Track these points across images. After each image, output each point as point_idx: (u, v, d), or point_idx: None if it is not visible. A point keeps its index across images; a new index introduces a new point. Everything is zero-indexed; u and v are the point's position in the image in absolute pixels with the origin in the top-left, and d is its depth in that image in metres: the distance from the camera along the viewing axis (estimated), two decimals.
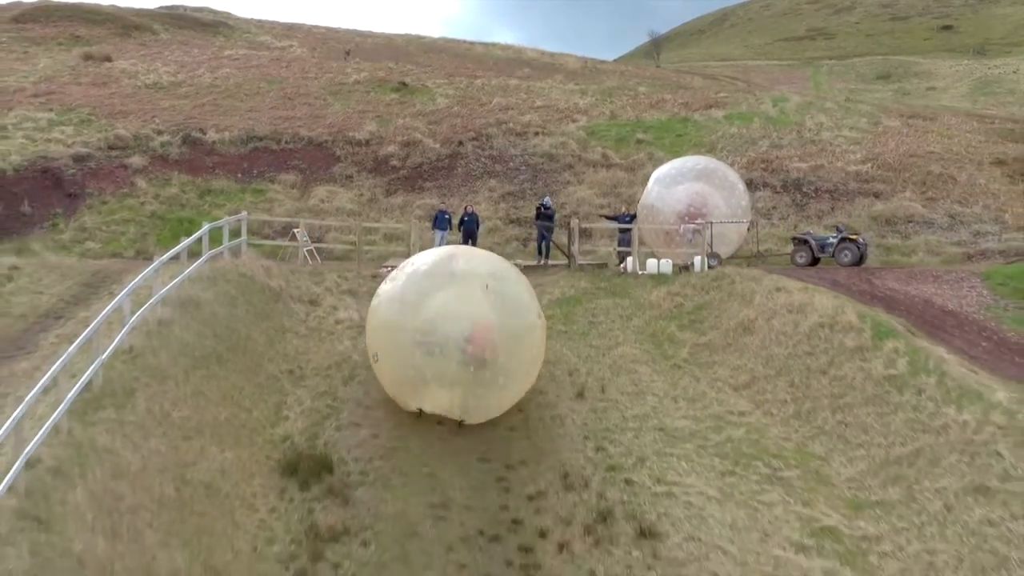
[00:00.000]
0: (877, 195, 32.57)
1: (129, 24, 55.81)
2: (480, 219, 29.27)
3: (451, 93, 43.92)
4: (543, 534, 14.12)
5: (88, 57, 45.52)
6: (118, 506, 12.36)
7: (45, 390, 13.26)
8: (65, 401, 13.44)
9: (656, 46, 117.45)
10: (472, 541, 14.06)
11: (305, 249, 27.00)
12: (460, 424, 16.86)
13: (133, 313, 16.59)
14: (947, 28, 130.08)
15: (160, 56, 48.55)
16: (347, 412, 17.29)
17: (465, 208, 28.74)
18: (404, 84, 44.70)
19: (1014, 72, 79.19)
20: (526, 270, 27.77)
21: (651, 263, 25.58)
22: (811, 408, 17.59)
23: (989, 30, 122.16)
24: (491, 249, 29.74)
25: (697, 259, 25.13)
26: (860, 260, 26.75)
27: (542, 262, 27.10)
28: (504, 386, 17.02)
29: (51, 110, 36.97)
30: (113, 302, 16.27)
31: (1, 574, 10.35)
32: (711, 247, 25.76)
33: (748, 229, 27.48)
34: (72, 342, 14.63)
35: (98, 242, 29.60)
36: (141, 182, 32.87)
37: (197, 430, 15.05)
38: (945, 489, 14.51)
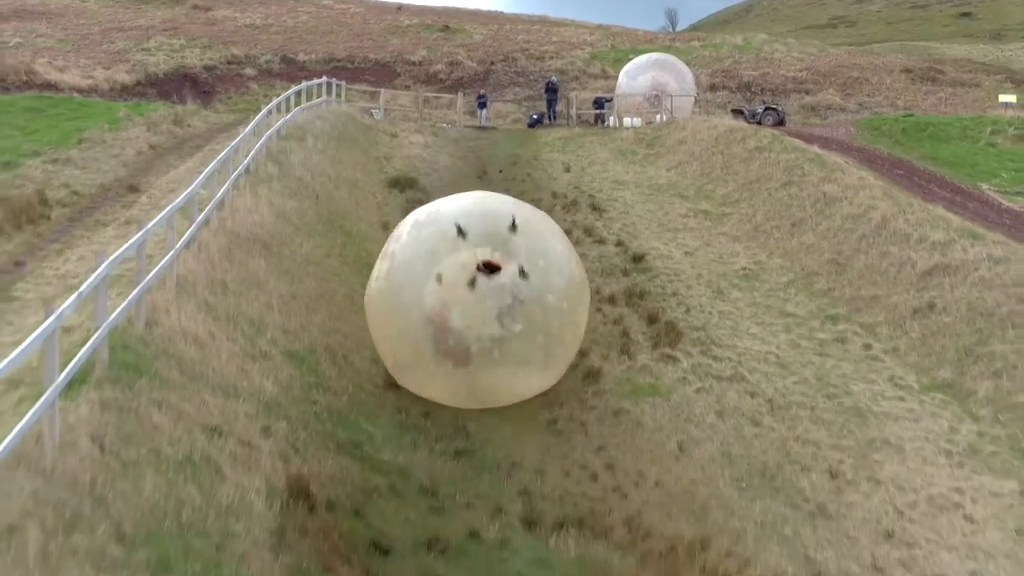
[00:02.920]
0: (807, 92, 43.11)
1: None
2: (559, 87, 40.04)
3: (485, 32, 54.87)
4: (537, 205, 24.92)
5: (195, 7, 56.98)
6: (312, 168, 23.35)
7: (254, 133, 24.15)
8: (274, 127, 24.36)
9: (672, 25, 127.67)
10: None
11: (383, 112, 37.98)
12: None
13: (289, 112, 27.57)
14: (966, 15, 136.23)
15: (248, 9, 59.84)
16: (423, 169, 28.27)
17: (549, 80, 39.90)
18: (447, 27, 55.71)
19: None
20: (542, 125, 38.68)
21: (627, 120, 36.35)
22: (709, 170, 28.27)
23: (1007, 16, 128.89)
24: (513, 125, 40.71)
25: (658, 116, 35.87)
26: (780, 123, 37.20)
27: (549, 121, 37.98)
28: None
29: (180, 39, 48.36)
30: (274, 102, 27.20)
31: (268, 173, 21.26)
32: (671, 111, 36.44)
33: (695, 102, 38.16)
34: (252, 131, 25.51)
35: None
36: (254, 85, 44.12)
37: (340, 161, 26.06)
38: (770, 187, 25.16)
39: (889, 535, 11.16)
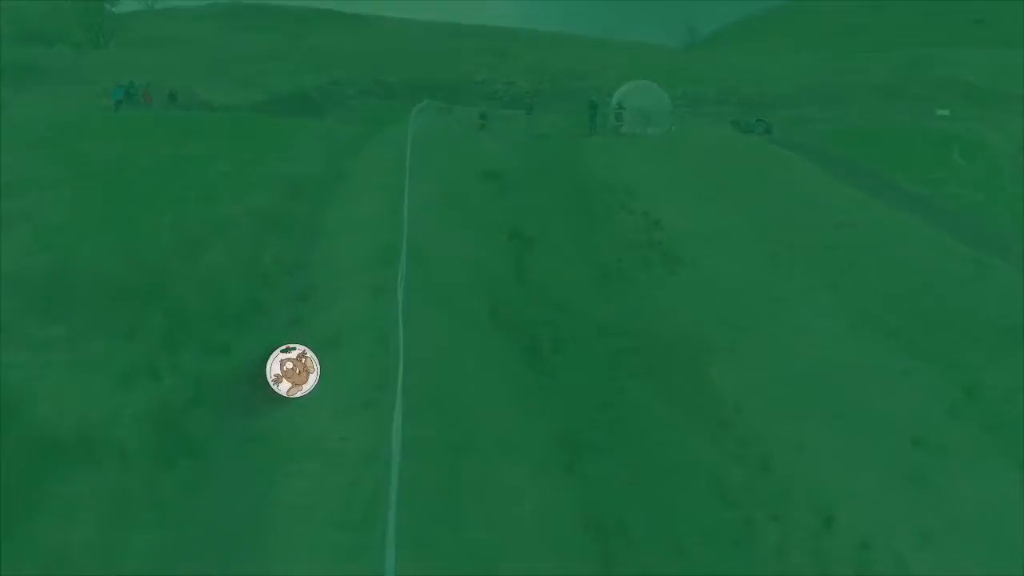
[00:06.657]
0: (794, 106, 54.35)
1: (300, 18, 79.48)
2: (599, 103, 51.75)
3: (534, 57, 66.55)
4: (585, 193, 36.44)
5: (290, 34, 69.01)
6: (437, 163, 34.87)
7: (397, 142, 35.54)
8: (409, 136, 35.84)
9: (692, 38, 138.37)
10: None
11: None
12: None
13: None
14: (979, 22, 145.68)
15: (330, 35, 71.85)
16: (502, 166, 39.82)
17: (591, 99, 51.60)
18: (501, 51, 67.38)
19: None
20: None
21: (650, 130, 47.90)
22: (712, 168, 39.61)
23: (1019, 24, 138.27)
24: (561, 134, 52.24)
25: (672, 127, 47.43)
26: (768, 132, 48.46)
27: (592, 132, 49.67)
28: None
29: (289, 63, 60.23)
30: (411, 122, 38.73)
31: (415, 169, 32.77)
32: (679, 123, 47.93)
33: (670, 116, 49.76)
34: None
35: None
36: (354, 103, 55.94)
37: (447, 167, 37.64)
38: (750, 178, 36.45)
39: None
